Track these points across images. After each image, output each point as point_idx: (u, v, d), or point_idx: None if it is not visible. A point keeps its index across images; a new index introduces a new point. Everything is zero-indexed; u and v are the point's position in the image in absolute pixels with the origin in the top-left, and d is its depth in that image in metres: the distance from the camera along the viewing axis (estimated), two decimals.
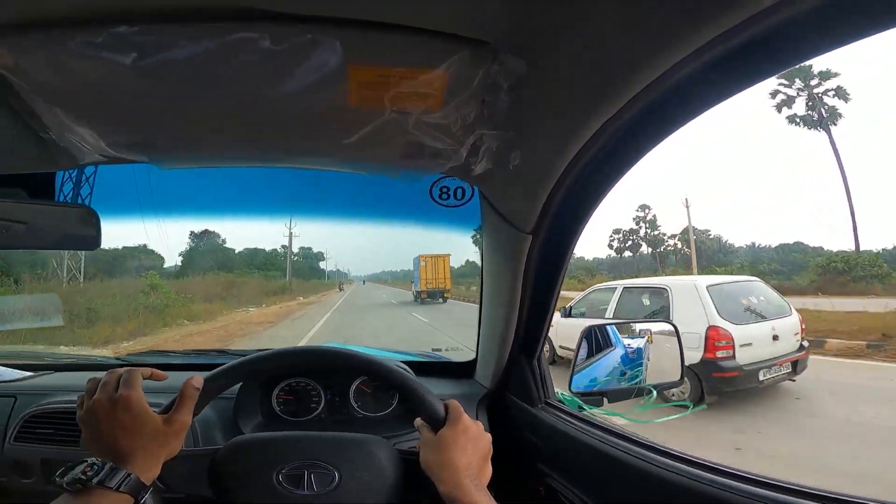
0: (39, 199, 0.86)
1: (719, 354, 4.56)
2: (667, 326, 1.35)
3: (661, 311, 5.16)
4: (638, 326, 1.47)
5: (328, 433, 0.85)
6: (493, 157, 0.73)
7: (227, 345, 8.14)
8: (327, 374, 1.26)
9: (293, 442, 0.81)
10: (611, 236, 40.24)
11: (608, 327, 1.47)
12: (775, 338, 4.82)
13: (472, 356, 1.38)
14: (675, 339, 1.30)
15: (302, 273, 31.67)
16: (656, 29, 0.46)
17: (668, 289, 5.24)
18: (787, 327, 5.02)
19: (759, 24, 0.41)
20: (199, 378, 0.76)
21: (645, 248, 37.61)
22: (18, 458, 1.12)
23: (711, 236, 36.52)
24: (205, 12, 0.51)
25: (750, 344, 4.66)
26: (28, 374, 1.38)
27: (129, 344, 8.34)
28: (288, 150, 0.75)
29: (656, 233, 37.97)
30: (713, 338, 4.56)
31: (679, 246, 35.63)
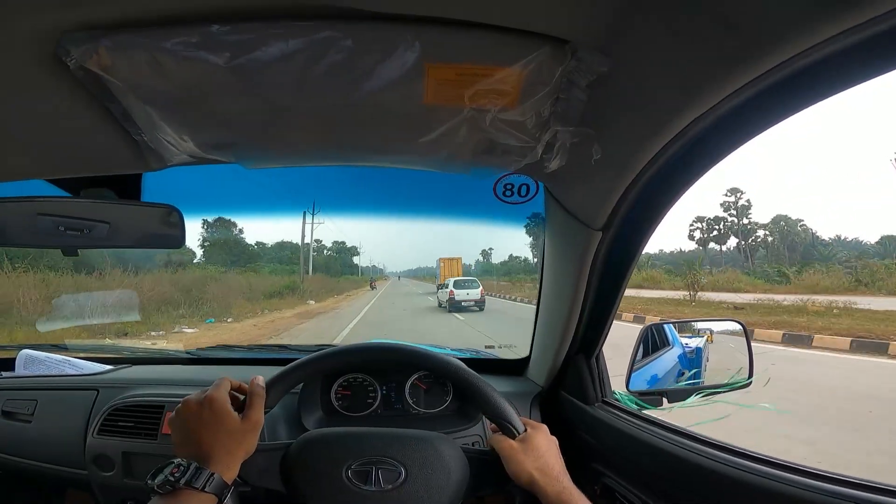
0: (125, 199, 0.90)
1: None
2: (733, 325, 1.30)
3: None
4: (699, 325, 1.42)
5: (395, 430, 0.86)
6: (567, 154, 0.72)
7: None
8: (383, 370, 1.29)
9: (362, 438, 0.82)
10: (692, 225, 35.47)
11: (666, 326, 1.44)
12: None
13: (523, 354, 1.37)
14: (743, 338, 1.25)
15: (332, 268, 29.27)
16: (753, 28, 0.44)
17: None
18: None
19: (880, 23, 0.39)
20: (262, 378, 0.80)
21: (733, 240, 33.50)
22: (100, 451, 1.14)
23: (804, 227, 32.52)
24: (290, 11, 0.52)
25: None
26: (108, 367, 1.43)
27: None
28: (366, 148, 0.77)
29: (746, 221, 33.35)
30: None
31: (770, 238, 31.93)
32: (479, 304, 12.73)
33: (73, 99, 0.62)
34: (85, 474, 1.16)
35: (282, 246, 26.76)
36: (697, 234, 34.88)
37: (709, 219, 34.23)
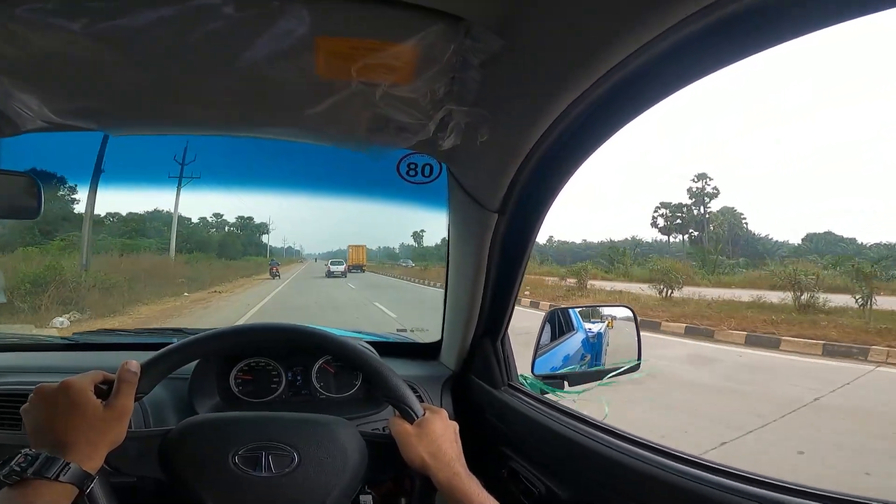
0: None
1: None
2: (625, 311, 1.39)
3: None
4: (602, 311, 1.51)
5: (288, 413, 0.84)
6: (461, 134, 0.73)
7: None
8: (288, 353, 1.24)
9: (250, 422, 0.79)
10: (656, 210, 31.91)
11: (571, 311, 1.51)
12: None
13: (437, 337, 1.38)
14: (633, 323, 1.34)
15: (228, 250, 22.23)
16: (629, 8, 0.47)
17: None
18: None
19: (730, 5, 0.42)
20: (135, 362, 0.74)
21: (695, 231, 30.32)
22: None
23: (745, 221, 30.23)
24: None
25: None
26: None
27: None
28: (250, 120, 0.73)
29: (702, 210, 30.08)
30: None
31: (719, 230, 29.42)
32: (343, 273, 19.95)
33: None
34: None
35: (152, 217, 18.96)
36: (661, 222, 31.93)
37: (672, 205, 31.60)
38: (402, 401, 0.83)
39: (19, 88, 0.62)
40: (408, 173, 0.95)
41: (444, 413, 0.84)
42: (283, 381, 1.22)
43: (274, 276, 18.19)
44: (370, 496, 1.04)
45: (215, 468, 0.73)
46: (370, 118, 0.70)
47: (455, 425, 0.85)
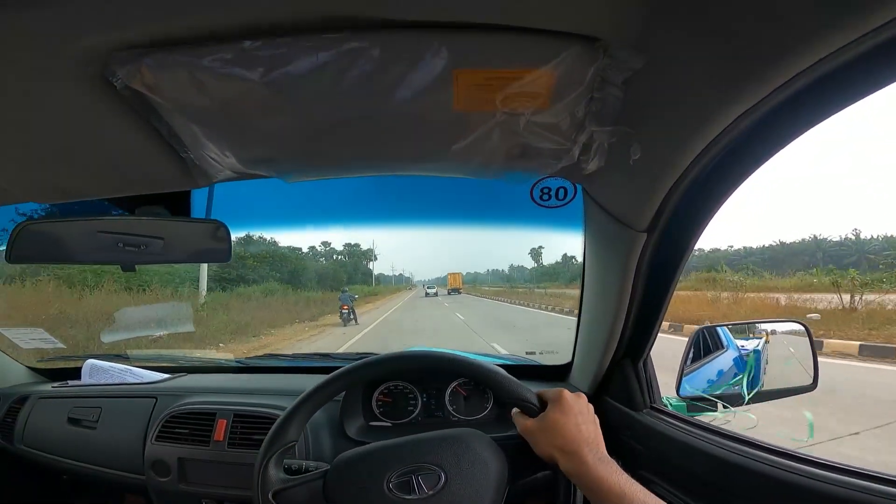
0: (176, 216, 0.95)
1: None
2: (794, 326, 1.21)
3: None
4: (760, 326, 1.34)
5: (425, 434, 0.85)
6: (605, 155, 0.69)
7: None
8: (423, 377, 1.29)
9: (395, 449, 0.82)
10: None
11: (719, 328, 1.37)
12: None
13: (566, 359, 1.34)
14: (807, 339, 1.16)
15: (328, 279, 20.49)
16: (796, 19, 0.41)
17: None
18: None
19: None
20: None
21: None
22: (158, 457, 1.18)
23: None
24: (318, 25, 0.53)
25: None
26: (166, 375, 1.50)
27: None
28: (399, 158, 0.77)
29: None
30: None
31: None
32: (436, 294, 26.22)
33: (122, 119, 0.65)
34: (143, 479, 1.20)
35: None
36: None
37: None
38: (516, 395, 0.83)
39: (208, 138, 0.70)
40: (541, 198, 0.93)
41: (566, 396, 0.80)
42: (419, 404, 1.28)
43: (346, 319, 11.30)
44: None
45: (375, 498, 0.77)
46: (512, 147, 0.70)
47: (583, 405, 0.80)
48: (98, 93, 0.59)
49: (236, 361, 1.65)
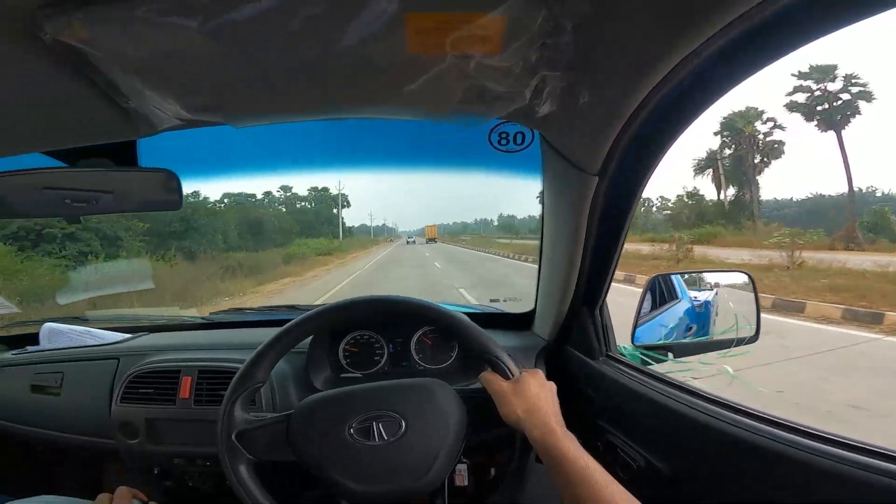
0: (123, 166, 0.91)
1: None
2: (740, 277, 1.27)
3: None
4: (708, 277, 1.40)
5: (388, 382, 0.88)
6: (556, 99, 0.70)
7: None
8: (390, 326, 1.31)
9: (359, 395, 0.85)
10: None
11: (673, 277, 1.42)
12: None
13: (530, 307, 1.37)
14: (751, 291, 1.22)
15: (272, 233, 16.42)
16: None
17: None
18: None
19: None
20: (124, 488, 0.92)
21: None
22: (125, 418, 1.18)
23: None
24: None
25: None
26: (127, 335, 1.47)
27: None
28: (350, 102, 0.76)
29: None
30: None
31: None
32: (414, 242, 29.34)
33: (56, 72, 0.62)
34: (113, 444, 1.20)
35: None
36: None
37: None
38: (494, 355, 0.85)
39: (149, 88, 0.67)
40: (499, 142, 0.94)
41: (540, 374, 0.85)
42: (385, 353, 1.30)
43: None
44: (465, 465, 1.08)
45: (335, 443, 0.79)
46: (464, 90, 0.69)
47: (552, 385, 0.85)
48: (28, 46, 0.56)
49: (200, 318, 1.64)
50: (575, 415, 1.09)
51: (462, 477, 1.10)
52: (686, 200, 29.04)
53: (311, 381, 1.20)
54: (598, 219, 0.92)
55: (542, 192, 1.05)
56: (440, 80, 0.66)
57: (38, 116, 0.75)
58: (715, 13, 0.48)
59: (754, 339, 1.20)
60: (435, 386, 0.86)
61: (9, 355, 1.43)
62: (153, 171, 0.90)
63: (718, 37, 0.51)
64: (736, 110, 26.09)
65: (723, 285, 1.38)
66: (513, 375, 0.84)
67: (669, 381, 0.95)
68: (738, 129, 25.85)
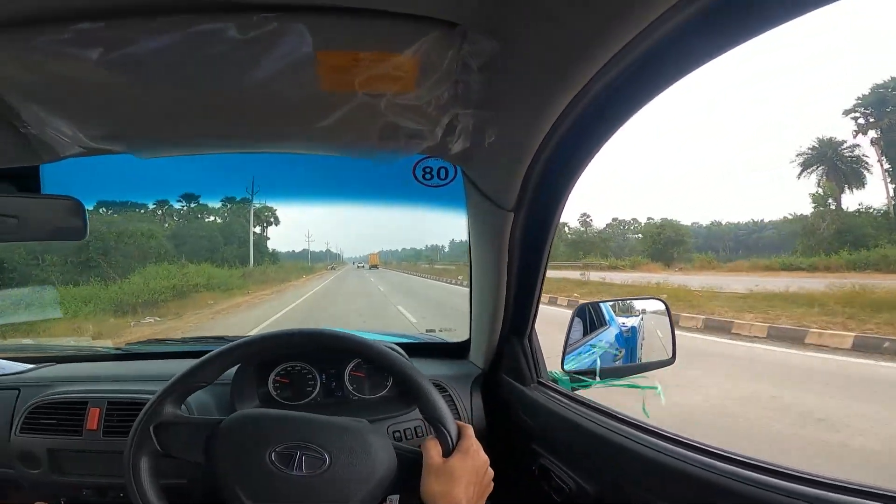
0: (27, 192, 0.87)
1: None
2: (658, 304, 1.34)
3: None
4: (634, 304, 1.46)
5: (325, 416, 0.85)
6: (470, 136, 0.73)
7: None
8: (322, 358, 1.28)
9: (290, 422, 0.82)
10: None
11: (602, 305, 1.47)
12: None
13: (465, 336, 1.38)
14: (666, 316, 1.29)
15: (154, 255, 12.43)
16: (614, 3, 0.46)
17: None
18: None
19: None
20: None
21: None
22: (25, 448, 1.12)
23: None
24: (168, 5, 0.51)
25: None
26: (30, 366, 1.38)
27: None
28: (263, 137, 0.76)
29: None
30: None
31: None
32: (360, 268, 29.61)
33: None
34: (13, 473, 1.14)
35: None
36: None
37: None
38: (446, 428, 0.82)
39: (51, 115, 0.66)
40: (424, 177, 0.96)
41: (478, 452, 0.82)
42: (318, 384, 1.26)
43: None
44: (397, 497, 1.05)
45: (253, 462, 0.76)
46: (379, 127, 0.71)
47: (483, 465, 0.82)
48: None
49: (114, 349, 1.54)
50: (510, 440, 1.10)
51: None
52: (657, 228, 29.07)
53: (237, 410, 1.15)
54: (518, 253, 0.95)
55: (467, 226, 1.08)
56: (354, 117, 0.68)
57: None
58: (599, 50, 0.51)
59: (671, 360, 1.25)
60: (369, 431, 0.83)
61: None
62: (57, 199, 0.86)
63: (603, 73, 0.54)
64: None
65: (648, 312, 1.44)
66: (452, 442, 0.80)
67: (593, 405, 0.98)
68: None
